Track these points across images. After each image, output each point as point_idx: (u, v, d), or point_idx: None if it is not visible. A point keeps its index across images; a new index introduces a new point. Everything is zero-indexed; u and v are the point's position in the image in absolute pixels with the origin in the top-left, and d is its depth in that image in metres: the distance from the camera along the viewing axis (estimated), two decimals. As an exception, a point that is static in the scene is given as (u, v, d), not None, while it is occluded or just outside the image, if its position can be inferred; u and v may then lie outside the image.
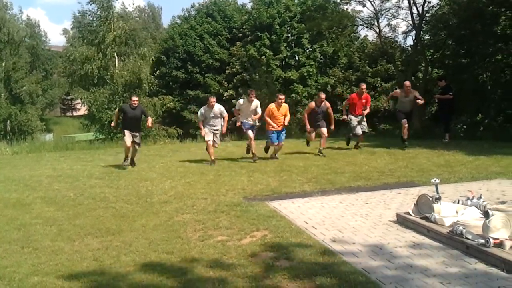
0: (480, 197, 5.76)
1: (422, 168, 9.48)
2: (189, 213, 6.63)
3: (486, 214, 4.83)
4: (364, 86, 13.08)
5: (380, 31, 22.00)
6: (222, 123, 11.38)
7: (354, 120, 12.67)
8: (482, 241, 4.39)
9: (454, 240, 4.70)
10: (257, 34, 28.12)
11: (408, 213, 5.66)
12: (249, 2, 31.69)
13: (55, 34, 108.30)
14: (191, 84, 30.70)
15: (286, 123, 11.40)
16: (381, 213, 6.18)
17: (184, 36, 31.06)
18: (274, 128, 11.17)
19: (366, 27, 22.76)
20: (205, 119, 11.22)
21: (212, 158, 11.17)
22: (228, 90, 28.90)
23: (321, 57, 27.88)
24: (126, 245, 5.24)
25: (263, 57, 27.01)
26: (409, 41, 31.82)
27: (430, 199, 5.50)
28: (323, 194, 7.58)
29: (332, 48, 27.07)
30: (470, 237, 4.56)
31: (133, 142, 10.81)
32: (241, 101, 12.11)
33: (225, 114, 11.43)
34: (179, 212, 6.68)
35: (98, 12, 26.27)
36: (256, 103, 11.50)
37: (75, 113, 52.11)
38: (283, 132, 11.43)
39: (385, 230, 5.43)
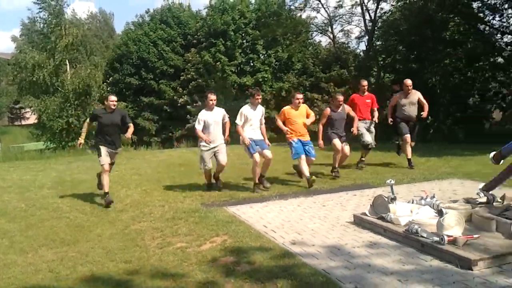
0: (433, 197, 5.93)
1: (376, 170, 9.69)
2: (146, 221, 6.53)
3: (440, 213, 4.97)
4: (365, 83, 10.42)
5: (334, 37, 22.44)
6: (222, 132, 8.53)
7: (361, 126, 9.95)
8: (436, 238, 4.51)
9: (409, 238, 4.81)
10: (212, 41, 28.11)
11: (364, 214, 5.76)
12: (204, 9, 31.69)
13: (3, 42, 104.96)
14: (145, 91, 30.35)
15: (308, 123, 8.79)
16: (338, 214, 6.26)
17: (138, 42, 30.70)
18: (294, 134, 8.63)
19: (321, 33, 23.15)
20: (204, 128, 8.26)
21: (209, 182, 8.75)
22: (183, 96, 28.72)
23: (276, 62, 28.12)
24: (82, 255, 5.10)
25: (218, 63, 27.01)
26: (362, 46, 32.51)
27: (386, 199, 5.61)
28: (281, 198, 7.62)
29: (287, 54, 27.36)
30: (425, 235, 4.68)
31: (111, 164, 7.94)
32: (245, 108, 8.45)
33: (227, 119, 8.58)
34: (136, 220, 6.57)
35: (50, 19, 25.60)
36: (262, 108, 8.75)
37: (24, 122, 50.51)
38: (310, 144, 8.72)
39: (343, 231, 5.50)
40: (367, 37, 21.10)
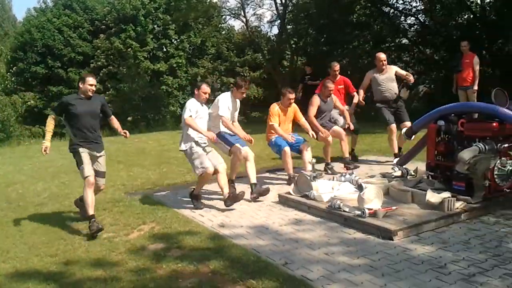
0: (352, 173, 6.22)
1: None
2: (68, 213, 6.33)
3: (359, 188, 5.23)
4: (337, 66, 8.74)
5: (247, 21, 22.52)
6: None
7: (335, 113, 8.16)
8: (358, 212, 4.76)
9: (333, 214, 5.03)
10: (122, 26, 27.23)
11: (289, 193, 5.94)
12: (111, -7, 30.57)
13: None
14: (53, 80, 28.92)
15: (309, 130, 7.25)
16: (264, 196, 6.39)
17: (41, 29, 29.10)
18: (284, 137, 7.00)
19: (233, 17, 23.16)
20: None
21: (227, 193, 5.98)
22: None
23: (190, 48, 27.82)
24: (3, 252, 4.88)
25: (129, 49, 26.27)
26: (275, 30, 32.88)
27: (308, 178, 5.82)
28: (205, 182, 7.64)
29: (200, 39, 27.13)
30: (347, 209, 4.92)
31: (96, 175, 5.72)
32: (224, 97, 6.91)
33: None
34: (57, 214, 6.35)
35: None
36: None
37: None
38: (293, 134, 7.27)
39: (269, 211, 5.64)
40: (279, 21, 21.41)
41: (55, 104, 6.17)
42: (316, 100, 7.66)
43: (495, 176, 4.94)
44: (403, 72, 8.53)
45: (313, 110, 7.60)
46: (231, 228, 5.10)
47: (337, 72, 8.71)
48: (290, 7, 21.40)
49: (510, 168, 4.96)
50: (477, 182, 4.94)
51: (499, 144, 5.04)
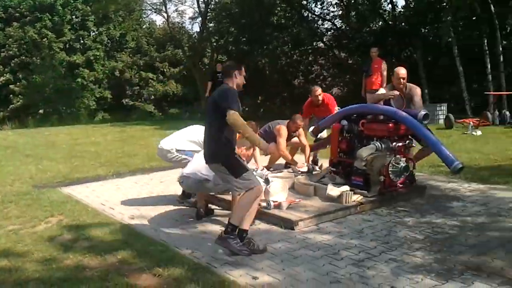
0: (263, 169, 6.48)
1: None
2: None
3: (266, 181, 5.48)
4: (317, 91, 7.62)
5: (168, 16, 22.41)
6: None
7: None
8: (264, 204, 5.00)
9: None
10: (38, 15, 26.12)
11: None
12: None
13: None
14: (-43, 69, 27.21)
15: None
16: (175, 189, 6.46)
17: None
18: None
19: (155, 12, 22.95)
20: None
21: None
22: (5, 75, 26.31)
23: (108, 40, 27.19)
24: None
25: (44, 39, 25.25)
26: (196, 27, 32.81)
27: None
28: (118, 176, 7.64)
29: (120, 32, 26.60)
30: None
31: None
32: None
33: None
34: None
35: None
36: None
37: None
38: None
39: (180, 204, 5.77)
40: (200, 19, 21.49)
41: None
42: (284, 132, 7.00)
43: (390, 172, 5.37)
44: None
45: (283, 143, 6.95)
46: (141, 220, 5.19)
47: (319, 97, 7.56)
48: (212, 5, 21.55)
49: (403, 165, 5.43)
50: (374, 177, 5.35)
51: (394, 143, 5.49)
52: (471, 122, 11.25)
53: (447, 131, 11.28)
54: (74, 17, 26.87)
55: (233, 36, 21.67)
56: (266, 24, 20.06)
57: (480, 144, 9.26)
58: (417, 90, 6.15)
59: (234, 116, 3.87)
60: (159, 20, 34.61)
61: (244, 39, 20.92)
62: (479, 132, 10.69)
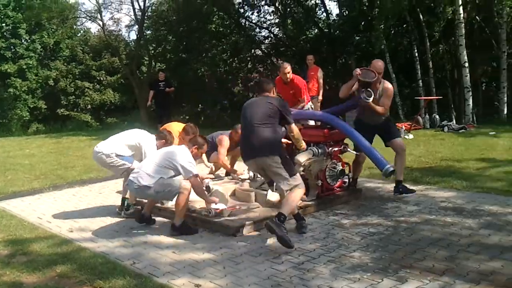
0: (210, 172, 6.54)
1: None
2: None
3: (207, 189, 5.52)
4: (287, 68, 7.57)
5: (104, 24, 22.02)
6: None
7: None
8: (205, 212, 5.04)
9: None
10: (-37, 22, 24.98)
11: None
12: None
13: None
14: None
15: None
16: (115, 200, 6.41)
17: None
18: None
19: (89, 20, 22.48)
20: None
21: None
22: None
23: (42, 49, 26.31)
24: None
25: (-28, 48, 24.15)
26: (133, 35, 32.38)
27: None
28: (54, 189, 7.45)
29: (53, 40, 25.80)
30: (195, 210, 5.19)
31: None
32: None
33: None
34: None
35: None
36: None
37: None
38: None
39: (119, 216, 5.70)
40: (137, 26, 21.23)
41: None
42: (226, 143, 6.97)
43: (327, 177, 5.55)
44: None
45: (224, 153, 6.96)
46: (81, 233, 5.09)
47: (288, 75, 7.50)
48: (148, 13, 21.36)
49: (339, 169, 5.62)
50: (311, 182, 5.51)
51: (330, 148, 5.66)
52: (403, 126, 11.72)
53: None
54: (4, 24, 25.83)
55: (171, 44, 21.54)
56: (204, 32, 20.08)
57: (412, 147, 9.68)
58: (389, 92, 5.98)
59: (296, 129, 5.05)
60: (94, 27, 33.90)
61: (182, 46, 20.84)
62: (411, 136, 11.17)
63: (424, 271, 3.68)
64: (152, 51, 21.91)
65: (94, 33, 26.91)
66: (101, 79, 23.45)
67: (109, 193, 6.97)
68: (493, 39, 16.21)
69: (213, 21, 20.87)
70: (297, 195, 4.63)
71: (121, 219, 5.56)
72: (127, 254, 4.36)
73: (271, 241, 4.48)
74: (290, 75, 7.56)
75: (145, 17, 21.04)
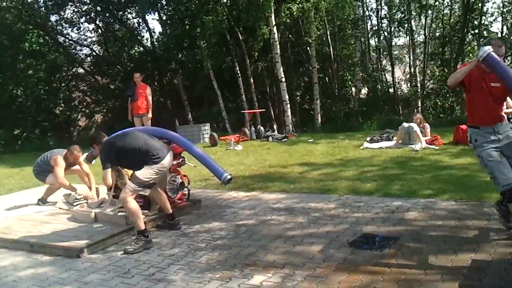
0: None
1: None
2: None
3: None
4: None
5: None
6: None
7: None
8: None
9: (19, 242, 4.96)
10: None
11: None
12: None
13: None
14: None
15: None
16: None
17: None
18: None
19: None
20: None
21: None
22: None
23: None
24: None
25: None
26: None
27: None
28: None
29: None
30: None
31: None
32: None
33: None
34: None
35: None
36: None
37: None
38: None
39: None
40: None
41: None
42: (61, 162, 6.63)
43: (168, 190, 5.68)
44: None
45: (61, 172, 6.57)
46: None
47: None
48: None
49: (179, 181, 5.80)
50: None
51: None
52: (232, 139, 12.32)
53: (213, 148, 12.15)
54: None
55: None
56: (17, 51, 18.74)
57: (242, 157, 10.26)
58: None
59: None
60: None
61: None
62: (240, 147, 11.79)
63: (267, 266, 4.02)
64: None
65: None
66: None
67: None
68: (305, 56, 17.91)
69: (28, 39, 19.59)
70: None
71: None
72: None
73: (118, 258, 4.48)
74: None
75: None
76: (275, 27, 14.92)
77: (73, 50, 20.95)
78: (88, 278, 4.03)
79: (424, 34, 18.77)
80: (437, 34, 19.26)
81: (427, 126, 10.69)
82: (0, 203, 7.06)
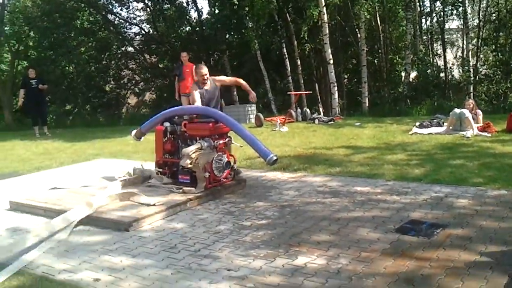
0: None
1: (23, 158, 9.49)
2: None
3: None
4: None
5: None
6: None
7: None
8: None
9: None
10: None
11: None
12: None
13: None
14: None
15: None
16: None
17: None
18: None
19: None
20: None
21: None
22: None
23: None
24: None
25: None
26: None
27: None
28: None
29: None
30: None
31: None
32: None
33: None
34: None
35: None
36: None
37: None
38: None
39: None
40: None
41: None
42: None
43: (214, 168, 5.74)
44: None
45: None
46: None
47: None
48: (8, 8, 19.96)
49: (225, 160, 5.84)
50: (199, 174, 5.65)
51: (215, 141, 5.86)
52: (278, 120, 12.31)
53: (258, 129, 12.19)
54: None
55: (34, 41, 20.34)
56: (70, 28, 19.22)
57: (287, 138, 10.24)
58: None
59: None
60: None
61: (47, 43, 19.73)
62: (285, 129, 11.78)
63: (311, 248, 4.01)
64: (14, 48, 20.49)
65: None
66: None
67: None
68: (353, 38, 17.59)
69: (79, 17, 20.07)
70: None
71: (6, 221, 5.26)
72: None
73: (165, 233, 4.56)
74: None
75: (6, 12, 19.66)
76: (324, 8, 14.69)
77: (123, 29, 21.30)
78: (136, 251, 4.13)
79: (479, 17, 18.11)
80: (493, 17, 18.52)
81: (479, 112, 10.35)
82: (52, 176, 7.34)
